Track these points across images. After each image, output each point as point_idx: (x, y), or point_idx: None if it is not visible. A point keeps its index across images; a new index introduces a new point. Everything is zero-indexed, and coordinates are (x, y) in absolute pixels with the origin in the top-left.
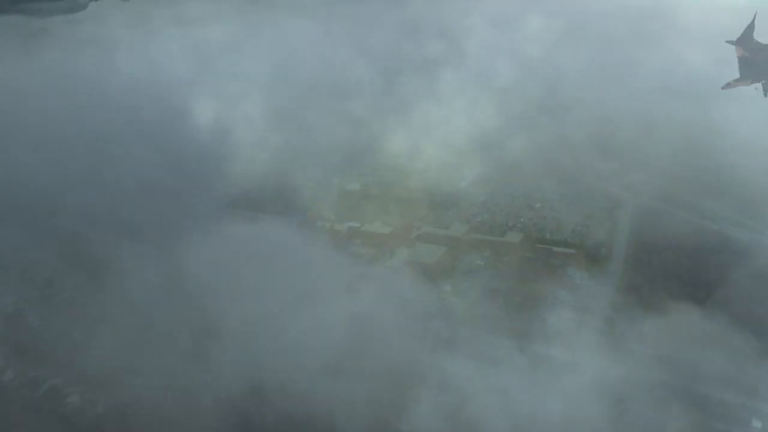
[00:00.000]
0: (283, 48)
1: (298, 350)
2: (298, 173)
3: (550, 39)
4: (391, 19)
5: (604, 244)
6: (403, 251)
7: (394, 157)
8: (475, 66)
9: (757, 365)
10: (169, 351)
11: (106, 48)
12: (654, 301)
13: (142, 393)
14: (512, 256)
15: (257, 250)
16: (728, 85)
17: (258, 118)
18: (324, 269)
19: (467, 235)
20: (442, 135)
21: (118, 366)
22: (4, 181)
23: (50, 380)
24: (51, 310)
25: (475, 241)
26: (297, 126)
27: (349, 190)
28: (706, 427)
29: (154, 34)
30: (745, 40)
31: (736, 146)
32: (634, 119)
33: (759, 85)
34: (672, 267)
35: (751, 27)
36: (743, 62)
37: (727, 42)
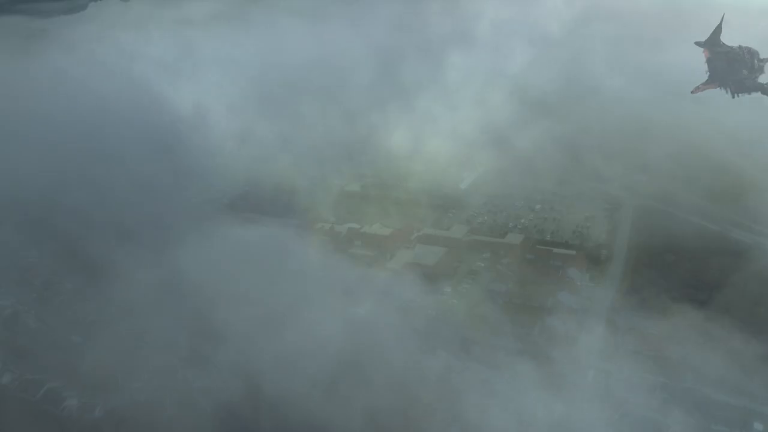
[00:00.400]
0: (283, 48)
1: (295, 355)
2: (297, 174)
3: (551, 40)
4: (390, 20)
5: (605, 246)
6: (403, 253)
7: (395, 158)
8: (476, 67)
9: (759, 368)
10: (168, 354)
11: (105, 48)
12: (655, 303)
13: (140, 396)
14: (513, 258)
15: (256, 253)
16: (697, 89)
17: (257, 119)
18: (323, 272)
19: (467, 237)
20: (443, 136)
21: (116, 369)
22: (2, 182)
23: (49, 383)
24: (49, 313)
25: (476, 243)
26: (296, 127)
27: (349, 191)
28: (708, 429)
29: (153, 35)
30: (713, 42)
31: (737, 147)
32: (634, 120)
33: (727, 88)
34: (673, 268)
35: (718, 29)
36: (711, 65)
37: (696, 44)
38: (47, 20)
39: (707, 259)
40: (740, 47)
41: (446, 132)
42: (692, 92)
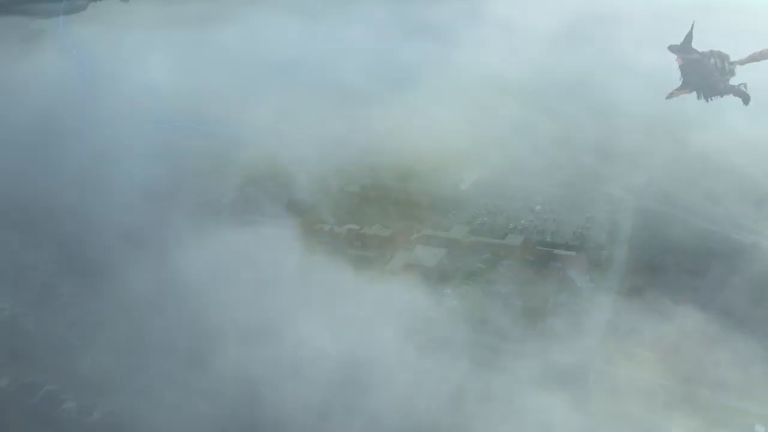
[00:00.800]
0: (282, 49)
1: (294, 357)
2: (297, 175)
3: (551, 40)
4: (390, 20)
5: (605, 247)
6: (403, 254)
7: (394, 159)
8: (477, 67)
9: (761, 370)
10: (166, 357)
11: (105, 49)
12: (656, 304)
13: (139, 399)
14: (513, 259)
15: (255, 254)
16: (671, 95)
17: (257, 119)
18: (322, 274)
19: (467, 238)
20: (443, 137)
21: (115, 371)
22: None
23: (47, 386)
24: (47, 315)
25: (476, 244)
26: (296, 127)
27: (349, 192)
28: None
29: (152, 35)
30: (685, 48)
31: (738, 148)
32: (635, 121)
33: (700, 92)
34: (674, 270)
35: (689, 36)
36: (684, 70)
37: (669, 48)
38: (47, 21)
39: (708, 260)
40: (711, 52)
41: (446, 132)
42: (667, 98)
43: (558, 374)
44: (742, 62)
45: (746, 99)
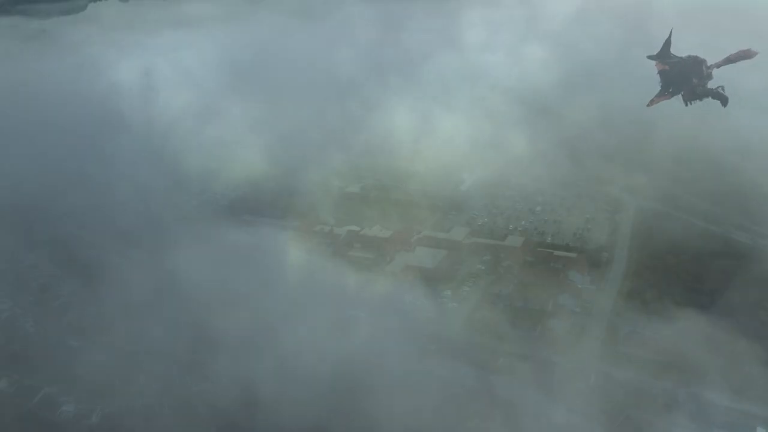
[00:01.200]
0: (281, 48)
1: (293, 360)
2: (296, 176)
3: (552, 40)
4: (389, 21)
5: (606, 248)
6: (403, 255)
7: (395, 159)
8: (477, 68)
9: (762, 371)
10: (165, 359)
11: (104, 49)
12: (656, 306)
13: (137, 402)
14: (513, 260)
15: (254, 256)
16: (652, 102)
17: (256, 120)
18: (322, 275)
19: (468, 239)
20: (443, 138)
21: (113, 374)
22: None
23: (45, 388)
24: (46, 317)
25: (476, 245)
26: (295, 128)
27: (349, 193)
28: None
29: (152, 36)
30: (664, 55)
31: (739, 149)
32: (635, 121)
33: (680, 97)
34: (674, 271)
35: (668, 42)
36: (663, 76)
37: (648, 57)
38: (47, 21)
39: (709, 261)
40: (689, 57)
41: (446, 133)
42: (648, 105)
43: (558, 376)
44: (718, 65)
45: (725, 101)
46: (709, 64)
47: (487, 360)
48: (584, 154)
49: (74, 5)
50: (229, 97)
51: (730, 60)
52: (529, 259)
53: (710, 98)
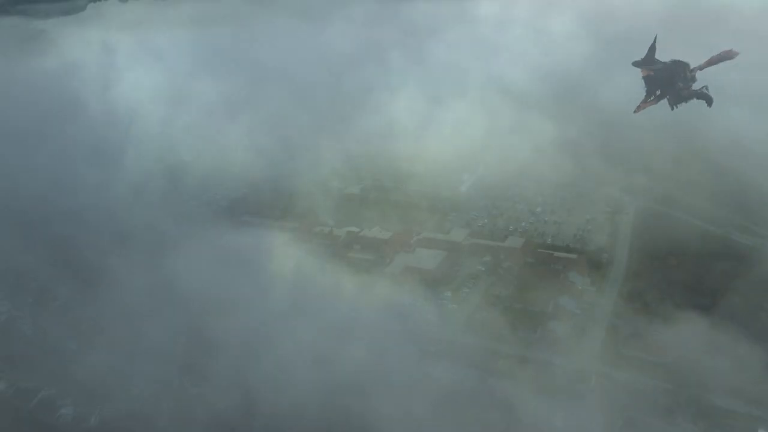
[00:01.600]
0: (280, 49)
1: (292, 363)
2: (296, 177)
3: (552, 40)
4: (389, 21)
5: (606, 249)
6: (403, 257)
7: (394, 160)
8: (477, 69)
9: (763, 373)
10: (163, 362)
11: (103, 50)
12: (657, 307)
13: (136, 405)
14: (513, 262)
15: (253, 257)
16: (639, 108)
17: (255, 121)
18: (321, 277)
19: (467, 241)
20: (443, 138)
21: (112, 376)
22: None
23: (43, 391)
24: (45, 319)
25: (476, 246)
26: (295, 129)
27: (348, 194)
28: None
29: (151, 36)
30: (648, 61)
31: (740, 150)
32: (635, 122)
33: (665, 101)
34: (675, 272)
35: (652, 48)
36: (648, 81)
37: (633, 64)
38: (46, 21)
39: (710, 262)
40: (672, 61)
41: (446, 134)
42: (635, 112)
43: (559, 378)
44: (701, 67)
45: (710, 101)
46: (692, 67)
47: (487, 362)
48: (584, 154)
49: (74, 5)
50: (229, 97)
51: (712, 62)
52: (529, 260)
53: (696, 99)
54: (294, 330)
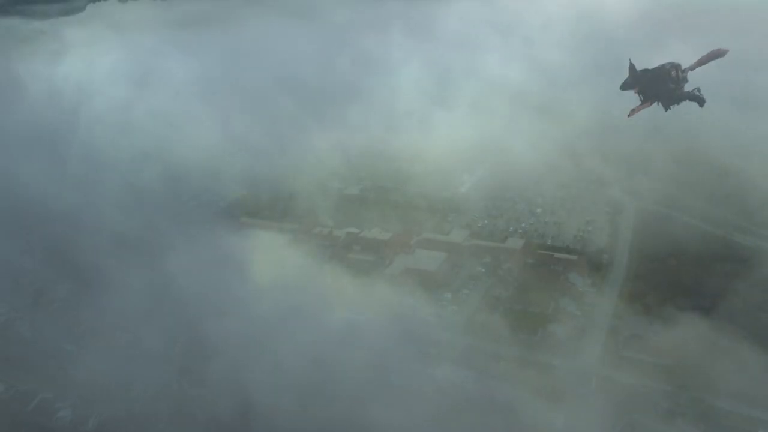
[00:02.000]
0: (280, 50)
1: (290, 365)
2: (295, 178)
3: (552, 41)
4: (387, 22)
5: (607, 250)
6: (403, 258)
7: (394, 161)
8: (477, 70)
9: (764, 375)
10: (161, 364)
11: (103, 50)
12: (657, 309)
13: (134, 407)
14: (513, 263)
15: (251, 259)
16: (632, 112)
17: (254, 122)
18: (320, 278)
19: (467, 242)
20: (442, 139)
21: (110, 379)
22: None
23: (41, 394)
24: (42, 321)
25: (476, 248)
26: (294, 130)
27: (348, 195)
28: None
29: (151, 36)
30: (633, 81)
31: (740, 151)
32: (636, 123)
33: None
34: (675, 273)
35: (632, 70)
36: (640, 92)
37: (621, 89)
38: (45, 22)
39: (710, 263)
40: (663, 64)
41: (446, 134)
42: (629, 116)
43: (559, 380)
44: (692, 68)
45: (701, 102)
46: (683, 68)
47: (487, 364)
48: (584, 155)
49: (73, 6)
50: (228, 97)
51: (702, 61)
52: (529, 261)
53: (688, 101)
54: (293, 332)
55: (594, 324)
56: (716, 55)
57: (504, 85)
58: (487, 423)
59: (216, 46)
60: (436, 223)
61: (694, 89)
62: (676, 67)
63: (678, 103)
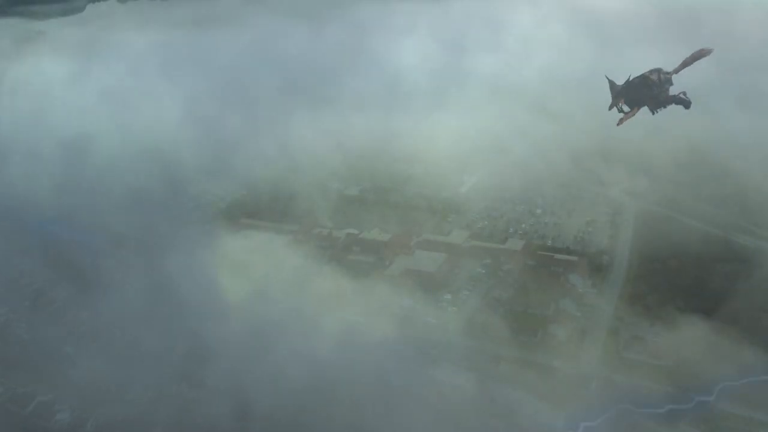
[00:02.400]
0: (279, 50)
1: (290, 368)
2: (294, 179)
3: (552, 41)
4: (388, 21)
5: (607, 251)
6: (403, 259)
7: (393, 161)
8: (478, 69)
9: (765, 377)
10: (160, 366)
11: (102, 51)
12: (658, 310)
13: (133, 410)
14: (513, 264)
15: (251, 260)
16: (621, 121)
17: (253, 123)
18: (320, 280)
19: (467, 243)
20: (442, 140)
21: (109, 381)
22: None
23: (39, 396)
24: (41, 322)
25: (476, 248)
26: (293, 130)
27: (348, 195)
28: None
29: (150, 37)
30: (617, 98)
31: (741, 152)
32: (636, 124)
33: (645, 108)
34: (676, 274)
35: (613, 88)
36: (627, 102)
37: (609, 109)
38: (45, 22)
39: (711, 264)
40: (648, 71)
41: (446, 135)
42: (618, 125)
43: (560, 382)
44: (676, 70)
45: (687, 104)
46: (666, 71)
47: (487, 365)
48: (585, 155)
49: (72, 6)
50: (228, 98)
51: (687, 63)
52: (529, 262)
53: (674, 104)
54: (292, 334)
55: (594, 325)
56: (701, 55)
57: (504, 85)
58: (487, 425)
59: (215, 46)
60: (435, 223)
61: (680, 93)
62: (658, 71)
63: (665, 107)
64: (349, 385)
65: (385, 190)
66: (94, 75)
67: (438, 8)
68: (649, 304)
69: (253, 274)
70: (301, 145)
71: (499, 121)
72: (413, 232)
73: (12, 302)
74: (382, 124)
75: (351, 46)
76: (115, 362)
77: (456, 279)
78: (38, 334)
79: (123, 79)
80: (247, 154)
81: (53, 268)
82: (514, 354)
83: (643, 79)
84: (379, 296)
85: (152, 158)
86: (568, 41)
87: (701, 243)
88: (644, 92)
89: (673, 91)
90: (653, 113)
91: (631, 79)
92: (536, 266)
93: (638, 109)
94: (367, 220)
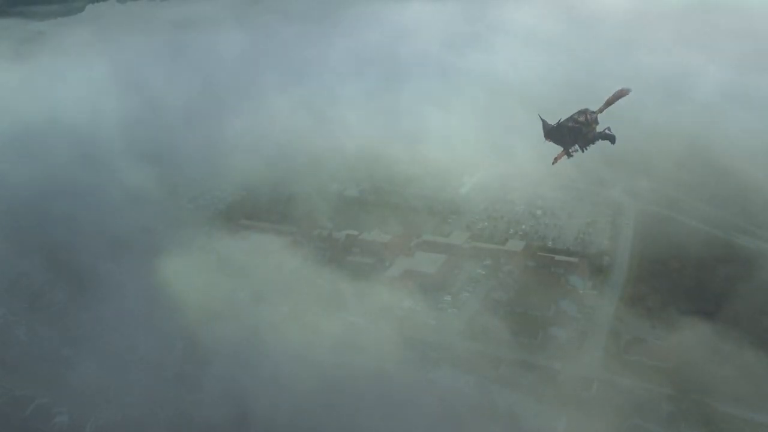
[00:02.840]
0: (279, 51)
1: (289, 370)
2: (294, 180)
3: (552, 42)
4: (387, 22)
5: (608, 252)
6: (403, 260)
7: (393, 162)
8: (478, 70)
9: (766, 379)
10: (159, 369)
11: (102, 51)
12: (659, 312)
13: (132, 412)
14: (514, 265)
15: (250, 262)
16: (555, 160)
17: (252, 123)
18: (319, 281)
19: (468, 244)
20: (442, 140)
21: (107, 384)
22: None
23: (38, 399)
24: (40, 324)
25: (476, 250)
26: (293, 131)
27: (348, 196)
28: None
29: (150, 37)
30: (553, 134)
31: (742, 152)
32: (637, 124)
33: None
34: (677, 276)
35: (545, 127)
36: (561, 142)
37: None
38: (44, 23)
39: (712, 266)
40: (570, 116)
41: (446, 136)
42: (552, 163)
43: (560, 384)
44: (601, 110)
45: (612, 139)
46: (592, 111)
47: (487, 367)
48: (585, 156)
49: (72, 7)
50: (227, 98)
51: (609, 102)
52: (529, 263)
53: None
54: (292, 335)
55: (595, 327)
56: (620, 95)
57: (504, 87)
58: (487, 427)
59: (215, 47)
60: (435, 225)
61: (605, 129)
62: (585, 112)
63: (593, 143)
64: (348, 387)
65: (385, 191)
66: (94, 75)
67: (438, 8)
68: (650, 306)
69: (252, 276)
70: (301, 146)
71: (499, 121)
72: (413, 233)
73: (10, 304)
74: (382, 124)
75: (351, 45)
76: (114, 365)
77: (456, 280)
78: (36, 337)
79: (123, 79)
80: (247, 154)
81: (52, 270)
82: (515, 356)
83: (570, 121)
84: (378, 298)
85: (152, 158)
86: (568, 41)
87: (702, 244)
88: (574, 132)
89: (600, 128)
90: (583, 151)
91: (561, 121)
92: (536, 267)
93: (569, 147)
94: (366, 222)
